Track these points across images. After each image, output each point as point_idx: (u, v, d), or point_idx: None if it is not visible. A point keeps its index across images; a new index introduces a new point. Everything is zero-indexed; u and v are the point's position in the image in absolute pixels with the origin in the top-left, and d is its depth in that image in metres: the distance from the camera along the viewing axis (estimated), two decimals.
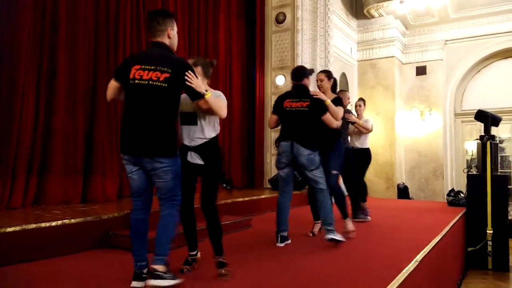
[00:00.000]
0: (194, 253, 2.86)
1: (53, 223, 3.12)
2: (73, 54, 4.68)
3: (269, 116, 7.56)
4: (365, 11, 9.27)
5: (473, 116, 9.64)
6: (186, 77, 2.39)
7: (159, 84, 2.35)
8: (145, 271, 2.40)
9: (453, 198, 7.11)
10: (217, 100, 2.63)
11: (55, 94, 4.52)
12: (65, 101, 4.59)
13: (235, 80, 7.48)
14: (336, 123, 3.80)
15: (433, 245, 3.62)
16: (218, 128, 2.80)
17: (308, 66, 7.52)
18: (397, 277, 2.55)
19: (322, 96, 3.76)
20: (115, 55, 5.13)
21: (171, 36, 2.52)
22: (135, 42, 5.48)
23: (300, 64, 7.20)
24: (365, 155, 5.46)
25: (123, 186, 5.18)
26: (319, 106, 3.67)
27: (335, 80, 4.21)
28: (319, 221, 4.13)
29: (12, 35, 4.17)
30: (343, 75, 8.94)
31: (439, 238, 3.94)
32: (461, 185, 9.77)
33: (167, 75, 2.35)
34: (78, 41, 4.71)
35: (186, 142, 2.72)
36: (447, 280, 4.48)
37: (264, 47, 7.74)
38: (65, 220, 3.23)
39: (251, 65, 7.95)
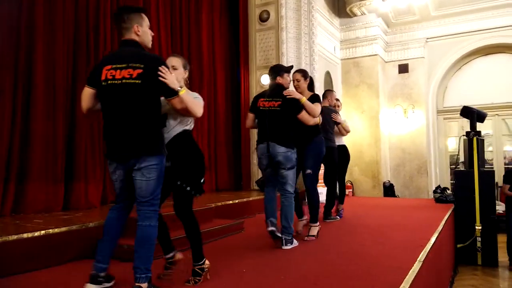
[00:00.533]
0: (170, 255, 2.73)
1: (36, 233, 2.90)
2: (51, 53, 4.42)
3: None
4: (347, 9, 9.25)
5: (455, 113, 9.85)
6: (159, 72, 2.24)
7: (132, 81, 2.22)
8: (102, 274, 2.32)
9: (440, 194, 7.14)
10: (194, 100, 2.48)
11: (33, 96, 4.26)
12: (44, 103, 4.33)
13: (219, 80, 7.32)
14: (314, 120, 3.73)
15: (432, 243, 3.56)
16: (191, 124, 2.65)
17: (293, 64, 7.44)
18: (406, 279, 2.45)
19: (296, 95, 3.66)
20: (95, 54, 4.90)
21: (139, 33, 2.36)
22: (116, 41, 5.24)
23: (285, 62, 7.11)
24: (343, 153, 5.34)
25: (107, 191, 4.96)
26: (293, 105, 3.58)
27: (311, 78, 4.14)
28: (303, 219, 4.14)
29: None
30: (328, 73, 8.90)
31: (436, 236, 3.88)
32: (445, 181, 9.90)
33: (139, 71, 2.22)
34: (57, 40, 4.46)
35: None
36: (443, 278, 4.45)
37: (248, 45, 7.61)
38: (49, 230, 3.01)
39: (235, 64, 7.81)
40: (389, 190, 9.27)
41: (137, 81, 2.21)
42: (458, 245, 6.06)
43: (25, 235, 2.85)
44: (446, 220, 5.04)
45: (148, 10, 5.74)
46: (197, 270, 2.55)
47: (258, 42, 7.60)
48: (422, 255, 3.05)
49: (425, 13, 9.52)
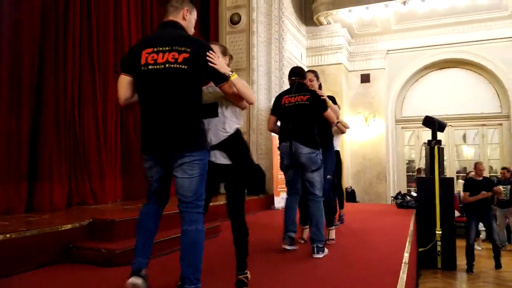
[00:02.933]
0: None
1: (8, 235, 2.64)
2: (17, 43, 4.11)
3: None
4: (314, 18, 9.44)
5: (412, 122, 10.34)
6: (208, 58, 2.03)
7: (178, 66, 1.97)
8: (144, 269, 2.09)
9: (402, 200, 7.41)
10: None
11: None
12: (7, 97, 4.01)
13: None
14: (335, 120, 3.66)
15: (409, 246, 3.65)
16: (241, 118, 2.47)
17: (263, 68, 7.47)
18: (399, 281, 2.48)
19: (322, 94, 3.53)
20: (64, 44, 4.60)
21: (186, 18, 2.17)
22: (86, 31, 4.99)
23: (256, 66, 7.11)
24: (338, 158, 5.37)
25: (73, 193, 4.65)
26: (320, 102, 3.40)
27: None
28: (307, 226, 3.91)
29: None
30: None
31: (410, 240, 3.99)
32: (402, 187, 10.31)
33: (186, 55, 1.98)
34: (24, 29, 4.16)
35: (208, 138, 2.32)
36: (413, 280, 4.58)
37: None
38: (20, 232, 2.75)
39: None
40: (350, 195, 9.50)
41: (183, 67, 1.98)
42: (420, 249, 6.29)
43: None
44: (412, 225, 5.22)
45: (119, 8, 5.54)
46: (242, 279, 2.37)
47: (228, 45, 7.51)
48: (406, 258, 3.11)
49: (387, 26, 9.92)
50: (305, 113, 3.35)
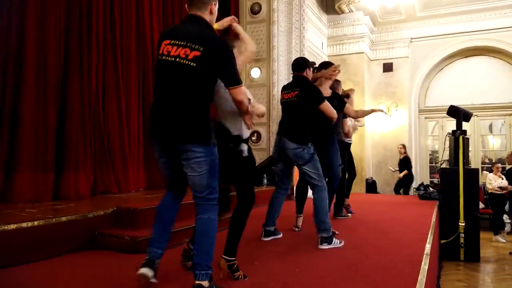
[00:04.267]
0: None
1: (36, 223, 2.75)
2: (43, 39, 4.22)
3: None
4: (336, 6, 9.29)
5: (436, 112, 10.12)
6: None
7: (186, 62, 2.02)
8: (157, 261, 2.18)
9: (424, 191, 7.30)
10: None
11: (23, 83, 4.06)
12: (35, 90, 4.14)
13: None
14: (334, 116, 3.54)
15: (430, 237, 3.61)
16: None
17: (284, 58, 7.43)
18: (421, 271, 2.47)
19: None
20: (88, 41, 4.72)
21: (213, 11, 2.18)
22: (109, 27, 5.07)
23: (276, 56, 7.09)
24: (348, 150, 5.31)
25: (97, 182, 4.80)
26: (312, 95, 3.38)
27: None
28: (301, 215, 4.02)
29: None
30: (315, 69, 8.90)
31: (432, 231, 3.95)
32: (424, 178, 10.13)
33: (197, 53, 2.02)
34: (49, 26, 4.26)
35: (243, 132, 2.52)
36: (434, 271, 4.53)
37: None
38: (48, 219, 2.86)
39: None
40: (371, 186, 9.42)
41: (191, 64, 2.02)
42: (442, 241, 6.20)
43: (23, 225, 2.70)
44: (435, 216, 5.15)
45: (141, 4, 5.60)
46: (233, 264, 2.41)
47: (249, 35, 7.49)
48: (427, 249, 3.08)
49: (411, 13, 9.68)
50: (294, 108, 3.42)
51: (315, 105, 3.39)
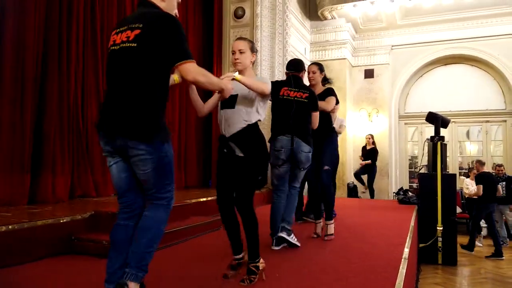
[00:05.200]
0: (239, 256, 2.54)
1: (10, 227, 2.68)
2: (20, 34, 4.12)
3: None
4: (319, 12, 9.37)
5: (415, 118, 10.31)
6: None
7: (128, 45, 1.84)
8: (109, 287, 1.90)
9: (403, 196, 7.40)
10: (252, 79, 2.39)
11: (0, 82, 3.96)
12: (11, 89, 4.04)
13: None
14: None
15: (409, 242, 3.66)
16: (262, 113, 2.50)
17: (267, 63, 7.46)
18: (399, 275, 2.50)
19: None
20: (68, 36, 4.63)
21: None
22: (89, 23, 4.99)
23: (259, 60, 7.11)
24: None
25: (75, 185, 4.71)
26: (315, 102, 3.44)
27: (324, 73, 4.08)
28: (320, 220, 3.96)
29: None
30: None
31: (410, 235, 4.00)
32: (404, 183, 10.29)
33: (137, 31, 1.83)
34: (27, 20, 4.16)
35: (224, 130, 2.43)
36: (413, 275, 4.60)
37: (222, 42, 7.52)
38: (23, 223, 2.79)
39: (208, 60, 7.68)
40: (352, 191, 9.50)
41: (132, 45, 1.82)
42: (421, 245, 6.30)
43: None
44: (413, 220, 5.22)
45: (122, 1, 5.54)
46: (252, 268, 2.41)
47: (232, 39, 7.51)
48: (406, 253, 3.12)
49: (392, 21, 9.85)
50: (305, 111, 3.37)
51: (315, 108, 3.46)
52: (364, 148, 9.31)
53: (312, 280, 2.49)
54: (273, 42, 7.50)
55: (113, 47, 1.91)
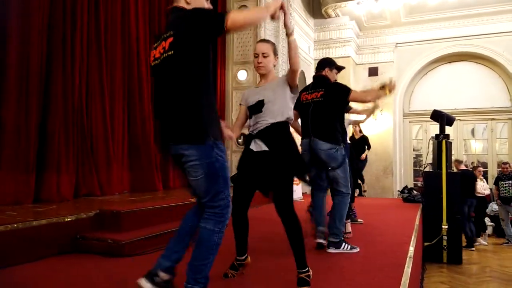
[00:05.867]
0: (242, 258, 2.50)
1: (16, 226, 2.68)
2: (25, 35, 4.13)
3: (230, 111, 7.52)
4: (322, 10, 9.36)
5: (420, 116, 10.26)
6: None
7: (166, 55, 1.86)
8: (161, 274, 1.89)
9: (408, 194, 7.38)
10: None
11: (5, 82, 3.98)
12: (17, 90, 4.05)
13: None
14: (367, 99, 3.41)
15: (414, 240, 3.65)
16: (290, 114, 2.41)
17: None
18: (404, 274, 2.49)
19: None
20: (72, 37, 4.65)
21: (189, 1, 1.95)
22: (93, 23, 5.00)
23: None
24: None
25: (80, 184, 4.72)
26: (338, 91, 3.23)
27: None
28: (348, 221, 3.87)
29: None
30: (302, 73, 8.95)
31: (416, 234, 3.98)
32: (408, 181, 10.26)
33: (170, 39, 1.85)
34: (32, 21, 4.18)
35: (250, 130, 2.41)
36: (417, 274, 4.58)
37: (225, 40, 7.52)
38: (29, 222, 2.80)
39: (213, 59, 7.64)
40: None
41: (170, 53, 1.84)
42: (425, 243, 6.27)
43: (3, 228, 2.63)
44: (418, 219, 5.20)
45: (126, 2, 5.54)
46: (305, 277, 2.26)
47: (236, 38, 7.52)
48: (411, 252, 3.11)
49: (396, 19, 9.81)
50: (322, 109, 3.23)
51: (345, 97, 3.21)
52: (352, 138, 8.66)
53: (318, 280, 2.48)
54: (277, 40, 7.48)
55: (155, 62, 1.94)
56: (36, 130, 4.22)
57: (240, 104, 2.62)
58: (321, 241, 3.27)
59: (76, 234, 3.15)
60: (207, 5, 2.00)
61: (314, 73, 3.54)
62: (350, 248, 3.20)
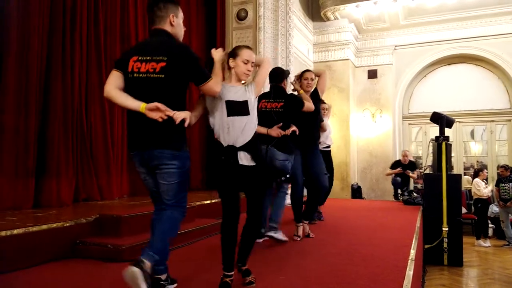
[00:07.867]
0: (231, 273, 2.36)
1: (15, 231, 2.68)
2: (25, 37, 4.12)
3: None
4: (321, 13, 9.37)
5: (419, 118, 10.26)
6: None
7: (155, 76, 2.11)
8: (147, 262, 1.99)
9: (408, 197, 7.36)
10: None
11: (3, 87, 3.97)
12: (16, 93, 4.04)
13: None
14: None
15: (415, 243, 3.64)
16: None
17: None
18: (406, 277, 2.47)
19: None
20: (71, 39, 4.63)
21: (174, 24, 2.26)
22: (93, 25, 5.00)
23: None
24: (329, 156, 5.43)
25: (80, 189, 4.71)
26: (295, 101, 3.52)
27: None
28: (301, 224, 3.98)
29: None
30: None
31: (417, 236, 3.97)
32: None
33: (163, 64, 2.11)
34: (32, 24, 4.17)
35: (231, 139, 2.29)
36: (419, 277, 4.56)
37: (225, 44, 7.50)
38: (28, 228, 2.78)
39: (211, 62, 7.66)
40: (357, 192, 9.47)
41: (160, 76, 2.11)
42: (426, 246, 6.26)
43: (3, 233, 2.62)
44: (419, 221, 5.19)
45: (126, 4, 5.55)
46: (249, 269, 2.46)
47: (235, 40, 7.51)
48: (412, 254, 3.10)
49: (395, 21, 9.82)
50: (280, 119, 3.40)
51: (300, 109, 3.53)
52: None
53: (319, 284, 2.47)
54: (276, 43, 7.48)
55: (138, 75, 2.14)
56: (36, 134, 4.21)
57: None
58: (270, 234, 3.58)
59: (76, 239, 3.14)
60: (183, 31, 2.35)
61: (271, 83, 3.66)
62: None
